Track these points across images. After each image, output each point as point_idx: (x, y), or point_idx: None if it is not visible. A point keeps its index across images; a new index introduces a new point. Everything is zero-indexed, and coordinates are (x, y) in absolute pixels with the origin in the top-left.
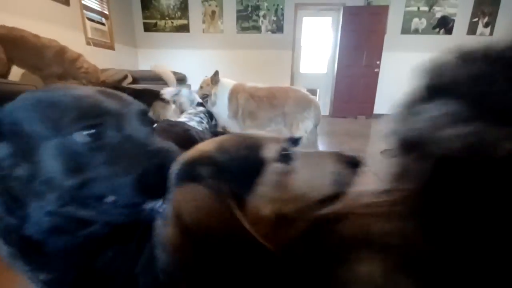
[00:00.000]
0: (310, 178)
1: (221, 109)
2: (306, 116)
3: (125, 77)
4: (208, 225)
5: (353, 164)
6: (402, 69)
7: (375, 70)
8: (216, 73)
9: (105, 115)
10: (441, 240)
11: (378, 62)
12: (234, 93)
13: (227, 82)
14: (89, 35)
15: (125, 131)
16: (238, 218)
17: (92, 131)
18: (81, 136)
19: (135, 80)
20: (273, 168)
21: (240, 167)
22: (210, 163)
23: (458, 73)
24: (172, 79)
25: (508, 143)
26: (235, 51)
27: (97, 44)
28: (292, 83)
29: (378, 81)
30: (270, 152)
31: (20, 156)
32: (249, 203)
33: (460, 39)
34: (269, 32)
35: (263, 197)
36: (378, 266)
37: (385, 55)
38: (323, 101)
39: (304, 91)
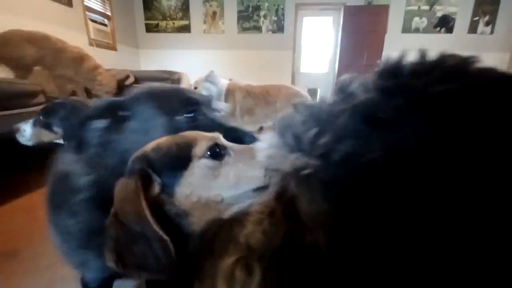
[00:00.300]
0: (242, 171)
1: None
2: None
3: (127, 77)
4: (124, 210)
5: None
6: None
7: (376, 69)
8: (211, 73)
9: (196, 104)
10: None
11: (379, 62)
12: (230, 92)
13: (222, 81)
14: (92, 36)
15: (208, 115)
16: (142, 206)
17: (190, 114)
18: (183, 118)
19: (137, 80)
20: (201, 163)
21: (168, 162)
22: (143, 159)
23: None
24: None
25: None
26: (236, 51)
27: (99, 45)
28: (293, 82)
29: None
30: (199, 149)
31: (141, 133)
32: (177, 192)
33: (461, 38)
34: (270, 32)
35: (191, 187)
36: (238, 261)
37: (386, 55)
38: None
39: (303, 90)
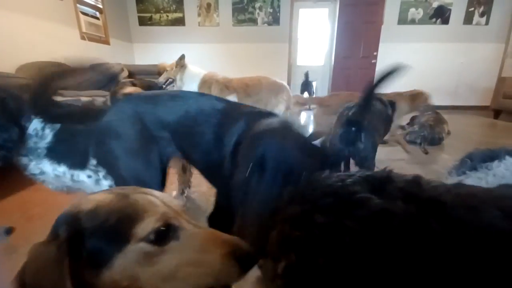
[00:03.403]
0: (189, 265)
1: None
2: (280, 100)
3: (121, 70)
4: (39, 283)
5: (247, 261)
6: (400, 60)
7: (373, 61)
8: (182, 57)
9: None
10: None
11: (375, 53)
12: (206, 84)
13: (197, 70)
14: (84, 30)
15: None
16: (63, 280)
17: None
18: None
19: (131, 74)
20: (138, 247)
21: (101, 236)
22: (73, 223)
23: None
24: None
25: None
26: (232, 45)
27: (91, 38)
28: (289, 75)
29: (376, 72)
30: (142, 229)
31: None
32: (105, 274)
33: (456, 28)
34: (266, 25)
35: (122, 272)
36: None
37: (382, 46)
38: (321, 93)
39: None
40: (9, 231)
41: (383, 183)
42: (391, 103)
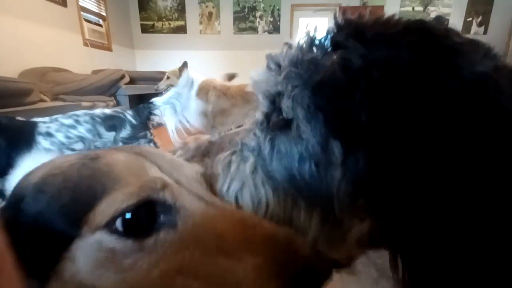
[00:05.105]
0: (189, 278)
1: (188, 104)
2: None
3: (122, 76)
4: None
5: (308, 282)
6: None
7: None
8: (184, 64)
9: None
10: None
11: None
12: (203, 90)
13: (196, 76)
14: (87, 36)
15: None
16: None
17: None
18: None
19: (132, 81)
20: (95, 242)
21: (46, 227)
22: (17, 199)
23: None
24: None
25: None
26: (232, 52)
27: (94, 45)
28: None
29: None
30: (103, 211)
31: None
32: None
33: None
34: (266, 33)
35: (75, 284)
36: None
37: None
38: None
39: None
40: None
41: None
42: None
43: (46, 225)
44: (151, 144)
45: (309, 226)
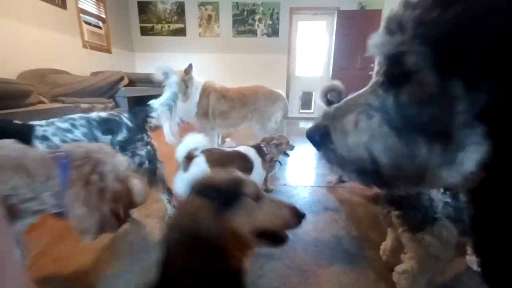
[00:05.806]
0: (270, 215)
1: (191, 105)
2: (276, 108)
3: (121, 78)
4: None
5: (299, 216)
6: None
7: (370, 72)
8: (190, 66)
9: None
10: None
11: (372, 65)
12: (205, 92)
13: (198, 79)
14: (86, 39)
15: None
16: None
17: None
18: None
19: (131, 82)
20: (248, 201)
21: (227, 194)
22: (212, 187)
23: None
24: None
25: None
26: (231, 55)
27: (93, 47)
28: (288, 86)
29: None
30: (248, 190)
31: None
32: (228, 218)
33: None
34: (265, 36)
35: (239, 216)
36: None
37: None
38: (319, 104)
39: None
40: None
41: None
42: None
43: (222, 192)
44: (148, 147)
45: (430, 157)
